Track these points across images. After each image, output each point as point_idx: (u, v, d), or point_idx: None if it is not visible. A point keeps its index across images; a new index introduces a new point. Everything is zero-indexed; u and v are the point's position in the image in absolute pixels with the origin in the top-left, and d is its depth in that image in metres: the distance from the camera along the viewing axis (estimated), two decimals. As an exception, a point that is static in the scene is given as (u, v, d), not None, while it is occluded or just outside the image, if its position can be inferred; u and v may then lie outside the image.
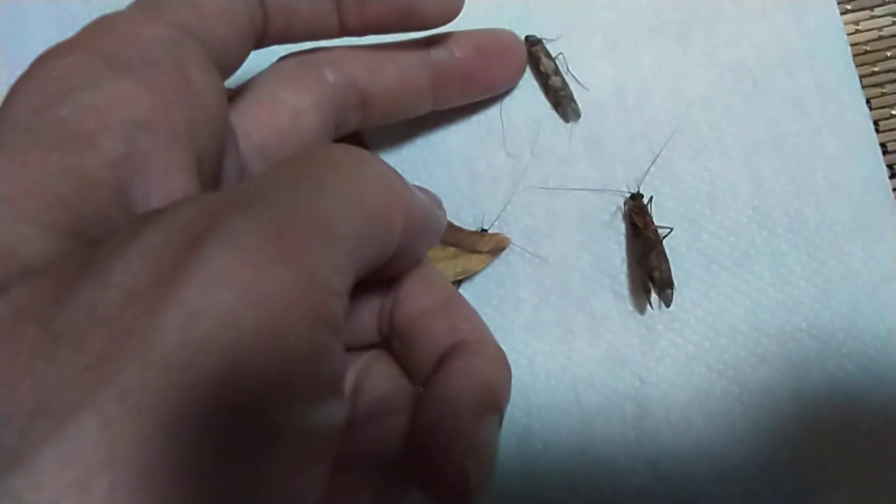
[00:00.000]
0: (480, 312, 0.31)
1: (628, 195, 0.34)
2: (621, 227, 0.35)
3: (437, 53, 0.31)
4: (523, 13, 0.37)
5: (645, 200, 0.34)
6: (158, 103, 0.19)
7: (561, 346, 0.33)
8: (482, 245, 0.33)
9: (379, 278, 0.24)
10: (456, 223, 0.34)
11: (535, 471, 0.32)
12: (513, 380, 0.30)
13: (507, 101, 0.37)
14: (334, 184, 0.18)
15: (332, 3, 0.26)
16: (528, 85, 0.37)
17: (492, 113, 0.36)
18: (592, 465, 0.32)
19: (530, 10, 0.37)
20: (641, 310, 0.34)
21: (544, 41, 0.36)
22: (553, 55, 0.36)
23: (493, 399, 0.22)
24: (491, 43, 0.33)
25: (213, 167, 0.22)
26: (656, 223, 0.34)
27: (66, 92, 0.18)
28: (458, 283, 0.34)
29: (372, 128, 0.34)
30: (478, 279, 0.34)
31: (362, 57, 0.30)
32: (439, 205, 0.26)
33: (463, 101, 0.34)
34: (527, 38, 0.36)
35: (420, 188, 0.24)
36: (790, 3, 0.36)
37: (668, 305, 0.33)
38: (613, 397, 0.33)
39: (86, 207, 0.17)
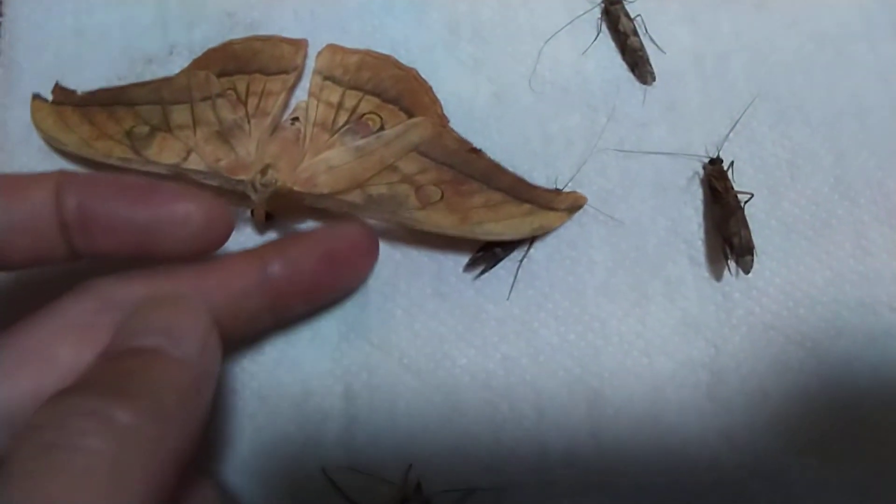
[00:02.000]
0: (552, 274, 0.32)
1: (707, 160, 0.34)
2: (698, 192, 0.34)
3: (275, 270, 0.27)
4: (600, -25, 0.36)
5: (725, 166, 0.33)
6: None
7: (635, 310, 0.32)
8: (558, 203, 0.32)
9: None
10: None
11: (605, 437, 0.31)
12: (584, 342, 0.31)
13: (582, 61, 0.36)
14: None
15: (56, 232, 0.23)
16: (604, 46, 0.36)
17: (567, 73, 0.36)
18: (664, 433, 0.31)
19: (607, -28, 0.36)
20: (718, 276, 0.33)
21: (624, 2, 0.35)
22: (632, 16, 0.35)
23: None
24: (339, 245, 0.30)
25: None
26: (735, 189, 0.33)
27: None
28: (531, 242, 0.33)
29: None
30: (550, 240, 0.33)
31: (181, 286, 0.25)
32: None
33: (310, 311, 0.31)
34: (608, -5, 0.35)
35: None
36: (873, -25, 0.35)
37: (746, 272, 0.32)
38: (687, 364, 0.32)
39: None
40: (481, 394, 0.31)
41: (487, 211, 0.31)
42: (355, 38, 0.36)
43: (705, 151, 0.34)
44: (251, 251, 0.28)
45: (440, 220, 0.30)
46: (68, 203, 0.23)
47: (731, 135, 0.34)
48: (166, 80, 0.33)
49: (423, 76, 0.35)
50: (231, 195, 0.31)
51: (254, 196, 0.30)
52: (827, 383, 0.32)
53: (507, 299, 0.32)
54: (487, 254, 0.32)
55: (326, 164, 0.31)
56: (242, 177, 0.31)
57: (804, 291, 0.33)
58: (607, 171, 0.34)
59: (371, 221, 0.32)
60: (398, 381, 0.31)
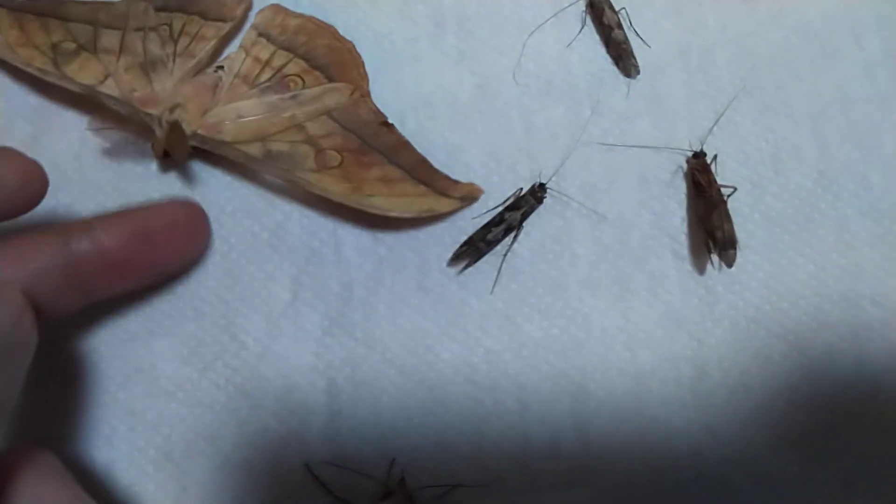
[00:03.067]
0: (535, 268, 0.32)
1: (690, 153, 0.34)
2: (682, 186, 0.34)
3: (78, 245, 0.26)
4: (585, -33, 0.36)
5: (708, 159, 0.33)
6: None
7: (618, 304, 0.32)
8: (454, 191, 0.32)
9: None
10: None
11: (589, 430, 0.31)
12: (567, 336, 0.31)
13: (567, 54, 0.36)
14: None
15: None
16: (589, 39, 0.36)
17: (551, 66, 0.35)
18: (647, 427, 0.31)
19: (592, -36, 0.36)
20: (701, 270, 0.33)
21: (609, -6, 0.35)
22: (616, 9, 0.35)
23: None
24: (156, 223, 0.28)
25: None
26: (719, 183, 0.33)
27: None
28: (515, 236, 0.33)
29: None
30: (534, 234, 0.33)
31: None
32: None
33: (129, 287, 0.29)
34: (593, -12, 0.35)
35: None
36: (859, -32, 0.35)
37: (729, 266, 0.32)
38: (670, 358, 0.32)
39: None
40: (465, 388, 0.31)
41: (382, 185, 0.31)
42: (341, 29, 0.35)
43: (689, 145, 0.34)
44: (56, 227, 0.27)
45: (331, 185, 0.31)
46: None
47: (715, 128, 0.34)
48: (106, 4, 0.34)
49: (406, 69, 0.35)
50: (137, 126, 0.32)
51: (158, 131, 0.31)
52: (809, 377, 0.32)
53: (491, 293, 0.32)
54: (471, 248, 0.32)
55: (236, 114, 0.32)
56: (151, 110, 0.31)
57: (787, 285, 0.33)
58: (591, 165, 0.34)
59: (269, 178, 0.33)
60: (381, 375, 0.31)
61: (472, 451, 0.30)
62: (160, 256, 0.29)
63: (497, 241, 0.32)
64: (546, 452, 0.30)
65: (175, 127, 0.30)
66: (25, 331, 0.22)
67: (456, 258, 0.32)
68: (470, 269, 0.33)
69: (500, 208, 0.33)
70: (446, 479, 0.30)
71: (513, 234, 0.33)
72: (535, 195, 0.33)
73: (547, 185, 0.33)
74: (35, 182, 0.25)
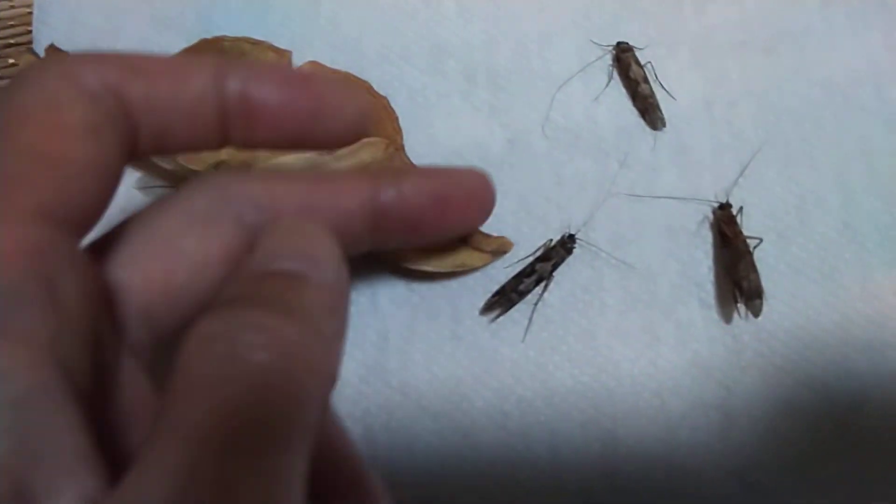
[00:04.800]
0: (566, 316, 0.33)
1: (717, 205, 0.34)
2: (708, 236, 0.35)
3: (386, 195, 0.26)
4: (611, 21, 0.38)
5: (734, 211, 0.34)
6: (34, 360, 0.16)
7: (647, 352, 0.33)
8: (486, 245, 0.33)
9: None
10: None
11: (619, 477, 0.31)
12: (598, 384, 0.32)
13: (594, 107, 0.37)
14: None
15: (215, 121, 0.22)
16: (616, 92, 0.37)
17: (579, 119, 0.36)
18: (677, 474, 0.31)
19: (618, 19, 0.38)
20: (728, 319, 0.33)
21: (635, 49, 0.36)
22: (642, 63, 0.36)
23: None
24: (452, 190, 0.28)
25: (85, 371, 0.18)
26: (744, 234, 0.34)
27: None
28: (545, 286, 0.34)
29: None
30: (564, 284, 0.34)
31: (295, 193, 0.24)
32: None
33: (407, 245, 0.30)
34: (618, 44, 0.37)
35: None
36: (879, 22, 0.37)
37: (756, 315, 0.33)
38: (699, 405, 0.32)
39: None
40: (497, 435, 0.32)
41: None
42: (375, 85, 0.37)
43: (715, 196, 0.35)
44: (366, 172, 0.27)
45: None
46: (230, 90, 0.22)
47: (741, 180, 0.35)
48: None
49: (438, 123, 0.36)
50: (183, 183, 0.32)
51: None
52: (837, 425, 0.32)
53: (522, 342, 0.33)
54: (503, 298, 0.33)
55: (276, 169, 0.32)
56: (196, 167, 0.32)
57: (813, 334, 0.33)
58: (619, 216, 0.35)
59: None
60: (417, 422, 0.32)
61: (504, 497, 0.31)
62: (449, 223, 0.29)
63: (528, 292, 0.33)
64: (576, 499, 0.31)
65: None
66: (345, 277, 0.21)
67: (488, 308, 0.33)
68: (502, 318, 0.34)
69: (531, 259, 0.34)
70: (480, 523, 0.30)
71: (543, 284, 0.34)
72: (565, 246, 0.34)
73: (576, 236, 0.34)
74: (367, 114, 0.25)
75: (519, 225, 0.35)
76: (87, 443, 0.16)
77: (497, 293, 0.33)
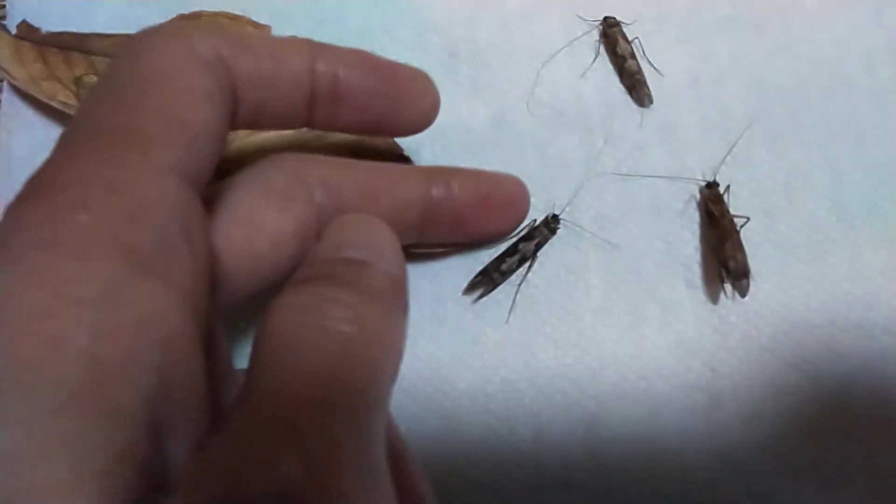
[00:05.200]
0: (550, 297, 0.33)
1: (703, 184, 0.34)
2: (695, 215, 0.34)
3: (437, 190, 0.28)
4: (597, -4, 0.37)
5: (721, 189, 0.33)
6: (180, 304, 0.17)
7: (630, 333, 0.32)
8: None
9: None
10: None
11: (602, 460, 0.31)
12: (581, 366, 0.31)
13: (580, 84, 0.36)
14: None
15: (305, 101, 0.24)
16: (602, 69, 0.36)
17: (565, 96, 0.36)
18: (661, 456, 0.31)
19: (605, -7, 0.37)
20: (714, 299, 0.33)
21: (622, 24, 0.36)
22: (629, 39, 0.36)
23: None
24: (495, 192, 0.31)
25: (208, 321, 0.19)
26: (731, 213, 0.33)
27: (79, 314, 0.15)
28: (529, 266, 0.33)
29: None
30: (548, 264, 0.34)
31: (358, 180, 0.26)
32: None
33: (447, 240, 0.31)
34: (605, 18, 0.36)
35: None
36: (870, -2, 0.36)
37: (743, 296, 0.32)
38: (684, 388, 0.32)
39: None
40: (480, 417, 0.31)
41: None
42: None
43: (702, 175, 0.34)
44: (418, 168, 0.30)
45: None
46: (320, 72, 0.24)
47: (728, 158, 0.34)
48: (128, 37, 0.34)
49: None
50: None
51: None
52: (823, 406, 0.32)
53: (506, 323, 0.33)
54: (486, 278, 0.33)
55: (257, 146, 0.32)
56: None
57: (800, 315, 0.33)
58: (604, 195, 0.34)
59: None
60: (397, 405, 0.31)
61: (486, 480, 0.30)
62: (489, 226, 0.31)
63: (511, 272, 0.33)
64: (559, 482, 0.30)
65: None
66: (405, 269, 0.23)
67: (471, 288, 0.33)
68: (485, 298, 0.33)
69: (514, 239, 0.33)
70: (460, 508, 0.30)
71: (527, 265, 0.33)
72: (549, 226, 0.33)
73: (560, 216, 0.34)
74: (437, 109, 0.27)
75: (502, 204, 0.34)
76: (205, 390, 0.17)
77: (480, 273, 0.33)
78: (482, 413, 0.31)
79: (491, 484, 0.30)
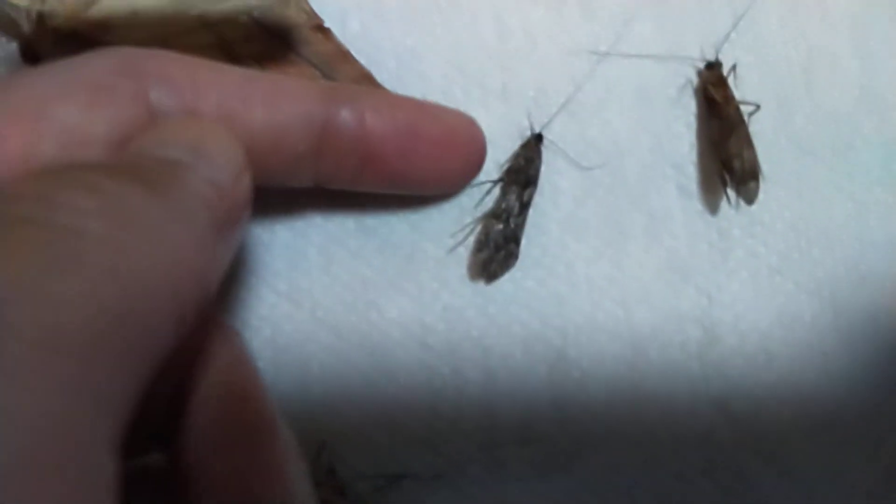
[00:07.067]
0: None
1: (703, 64, 0.30)
2: (690, 104, 0.30)
3: (341, 112, 0.24)
4: None
5: (725, 70, 0.30)
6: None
7: (608, 250, 0.29)
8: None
9: None
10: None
11: (570, 407, 0.28)
12: (545, 290, 0.29)
13: (551, -59, 0.32)
14: None
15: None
16: (578, -77, 0.32)
17: (530, -45, 0.32)
18: (644, 404, 0.29)
19: None
20: (714, 209, 0.30)
21: None
22: None
23: None
24: (426, 125, 0.26)
25: None
26: (737, 100, 0.29)
27: None
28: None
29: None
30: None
31: (224, 84, 0.22)
32: None
33: (367, 188, 0.27)
34: None
35: None
36: None
37: (749, 203, 0.29)
38: (674, 318, 0.29)
39: None
40: (416, 354, 0.28)
41: None
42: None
43: (701, 53, 0.30)
44: (324, 83, 0.26)
45: None
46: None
47: (734, 34, 0.31)
48: None
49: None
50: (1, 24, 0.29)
51: (24, 26, 0.27)
52: (847, 342, 0.30)
53: (451, 236, 0.29)
54: (498, 251, 0.28)
55: (130, 8, 0.28)
56: (17, 1, 0.28)
57: (820, 228, 0.30)
58: (578, 78, 0.30)
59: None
60: (310, 337, 0.28)
61: (424, 433, 0.28)
62: (418, 165, 0.26)
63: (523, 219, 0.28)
64: (516, 435, 0.28)
65: (41, 20, 0.26)
66: (244, 190, 0.20)
67: (483, 268, 0.28)
68: (425, 206, 0.29)
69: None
70: (391, 467, 0.27)
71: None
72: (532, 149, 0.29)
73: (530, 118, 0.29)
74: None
75: (450, 87, 0.29)
76: None
77: (484, 245, 0.28)
78: (419, 349, 0.28)
79: (430, 438, 0.28)
